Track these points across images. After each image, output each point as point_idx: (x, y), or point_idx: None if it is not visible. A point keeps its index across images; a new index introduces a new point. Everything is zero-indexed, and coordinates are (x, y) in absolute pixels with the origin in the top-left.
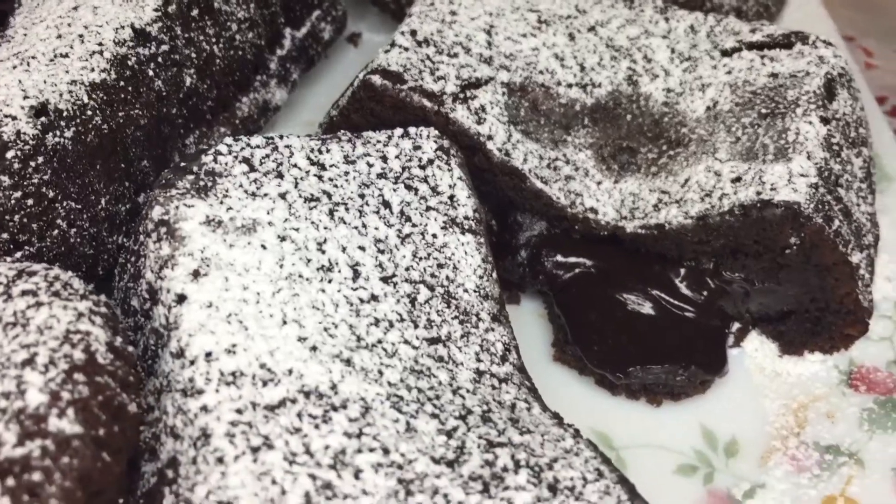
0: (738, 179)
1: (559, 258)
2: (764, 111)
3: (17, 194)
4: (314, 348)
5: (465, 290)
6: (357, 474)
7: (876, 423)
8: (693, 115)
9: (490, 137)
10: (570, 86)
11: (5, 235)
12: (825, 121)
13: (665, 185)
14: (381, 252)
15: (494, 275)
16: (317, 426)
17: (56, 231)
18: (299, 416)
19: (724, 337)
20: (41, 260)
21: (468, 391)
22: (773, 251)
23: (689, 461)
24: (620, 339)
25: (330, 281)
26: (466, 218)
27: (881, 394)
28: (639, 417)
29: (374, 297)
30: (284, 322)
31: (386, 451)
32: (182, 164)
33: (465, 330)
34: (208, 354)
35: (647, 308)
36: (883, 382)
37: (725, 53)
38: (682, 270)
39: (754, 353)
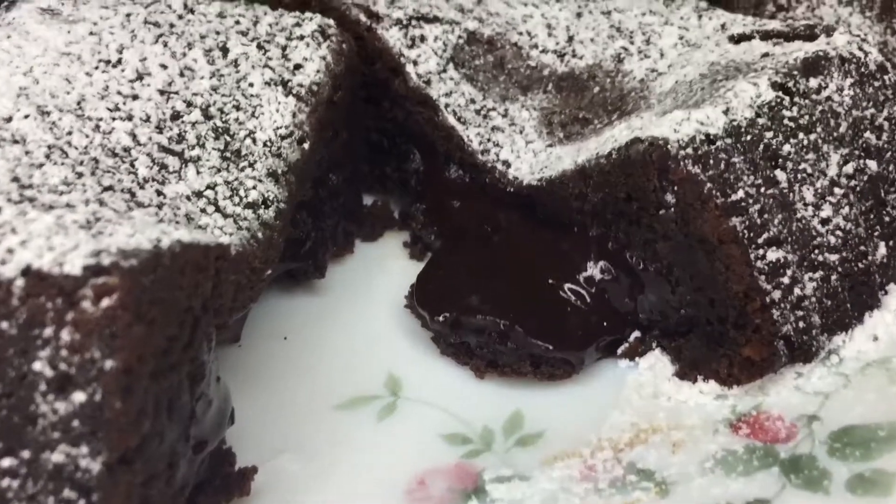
0: (640, 128)
1: (457, 209)
2: (720, 78)
3: None
4: (25, 96)
5: (252, 139)
6: None
7: (724, 465)
8: (659, 90)
9: (415, 63)
10: (545, 51)
11: None
12: (781, 88)
13: (586, 144)
14: (182, 76)
15: (306, 146)
16: None
17: None
18: None
19: (595, 328)
20: None
21: (159, 193)
22: (647, 211)
23: (466, 433)
24: (460, 286)
25: (103, 71)
26: (301, 86)
27: (761, 440)
28: (449, 381)
29: (134, 97)
30: (23, 75)
31: None
32: None
33: (223, 166)
34: None
35: (513, 272)
36: (774, 430)
37: (732, 39)
38: (570, 242)
39: (646, 370)
